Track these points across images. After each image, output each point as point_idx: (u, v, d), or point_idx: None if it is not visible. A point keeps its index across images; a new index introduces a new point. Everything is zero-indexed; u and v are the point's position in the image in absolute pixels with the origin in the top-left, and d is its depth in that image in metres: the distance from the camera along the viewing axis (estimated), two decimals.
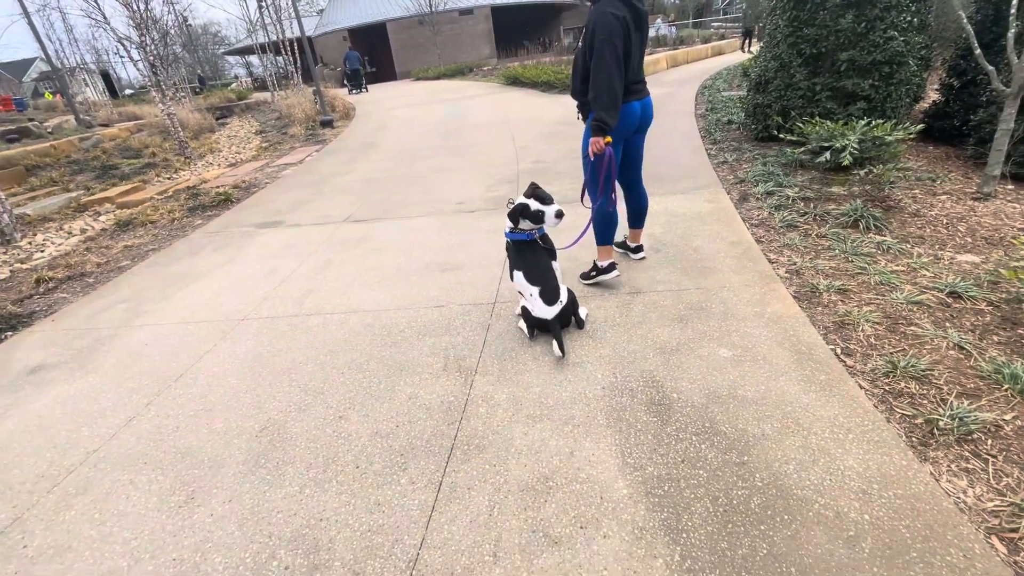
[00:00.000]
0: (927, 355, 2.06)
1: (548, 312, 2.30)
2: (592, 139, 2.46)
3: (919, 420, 1.77)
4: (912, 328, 2.24)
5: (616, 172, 2.66)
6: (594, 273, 2.92)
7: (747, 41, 18.97)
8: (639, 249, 3.15)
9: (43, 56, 14.81)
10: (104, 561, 1.59)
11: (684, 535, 1.45)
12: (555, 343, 2.27)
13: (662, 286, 2.81)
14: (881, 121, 3.73)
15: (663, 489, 1.60)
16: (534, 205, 2.33)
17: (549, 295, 2.32)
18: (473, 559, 1.46)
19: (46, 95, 25.23)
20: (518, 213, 2.35)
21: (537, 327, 2.42)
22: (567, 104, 9.90)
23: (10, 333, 3.29)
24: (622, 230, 3.05)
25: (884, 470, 1.58)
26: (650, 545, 1.44)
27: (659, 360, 2.21)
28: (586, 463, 1.73)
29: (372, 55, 27.56)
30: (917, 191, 3.72)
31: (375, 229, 4.38)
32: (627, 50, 2.41)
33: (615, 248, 3.04)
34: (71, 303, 3.68)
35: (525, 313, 2.42)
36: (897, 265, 2.76)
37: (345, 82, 19.23)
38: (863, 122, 3.75)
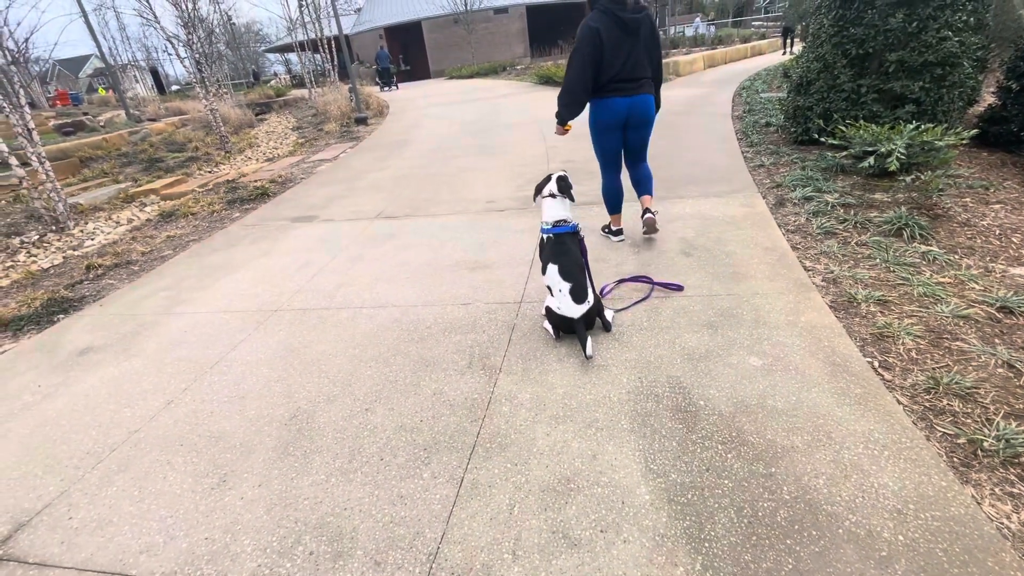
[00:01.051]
0: (973, 372, 1.96)
1: (575, 311, 2.29)
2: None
3: (962, 440, 1.68)
4: (957, 343, 2.14)
5: (616, 158, 3.32)
6: (605, 230, 3.62)
7: (788, 41, 18.17)
8: (646, 212, 3.39)
9: (97, 53, 15.58)
10: (142, 536, 1.67)
11: (706, 545, 1.43)
12: (582, 343, 2.26)
13: (692, 291, 2.76)
14: (931, 125, 3.57)
15: (686, 497, 1.58)
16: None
17: (578, 294, 2.31)
18: (492, 556, 1.47)
19: (99, 90, 26.52)
20: (568, 185, 2.49)
21: (562, 327, 2.41)
22: None
23: (62, 316, 3.48)
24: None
25: (922, 490, 1.51)
26: (671, 553, 1.42)
27: (687, 366, 2.17)
28: (608, 467, 1.72)
29: (407, 53, 27.94)
30: (968, 199, 3.54)
31: (405, 226, 4.45)
32: (604, 55, 2.86)
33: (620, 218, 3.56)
34: (117, 289, 3.87)
35: (549, 313, 2.42)
36: (943, 277, 2.64)
37: (376, 80, 19.69)
38: (911, 126, 3.60)
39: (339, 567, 1.49)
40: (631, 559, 1.42)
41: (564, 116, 3.05)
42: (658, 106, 3.29)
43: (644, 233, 3.40)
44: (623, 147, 3.28)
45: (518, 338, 2.53)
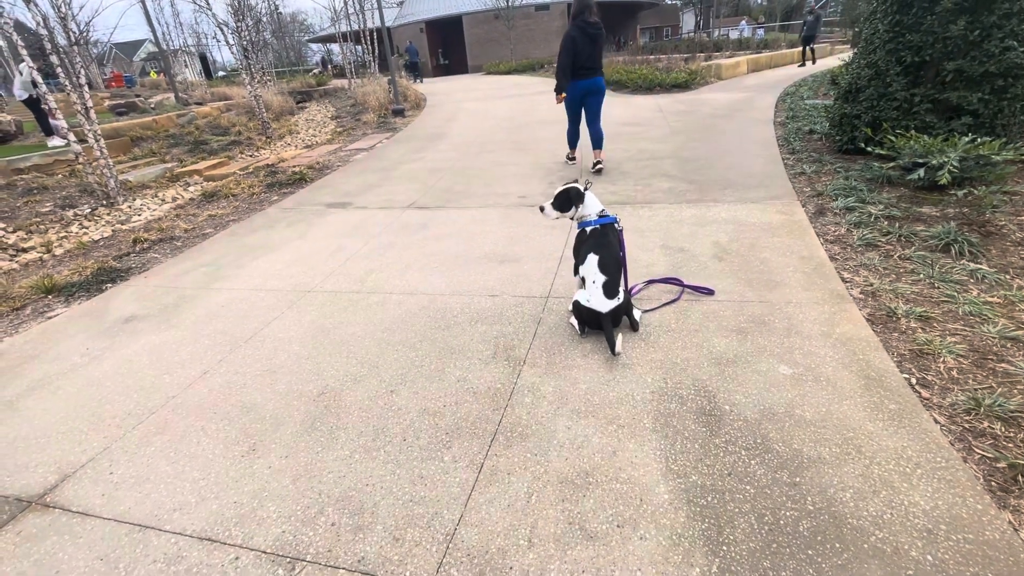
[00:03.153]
0: (1018, 396, 1.88)
1: (604, 305, 2.29)
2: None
3: (1002, 464, 1.62)
4: (1003, 365, 2.05)
5: (577, 117, 5.34)
6: (567, 159, 5.77)
7: (808, 51, 15.47)
8: (597, 163, 5.29)
9: (152, 38, 16.22)
10: (176, 495, 1.75)
11: (724, 548, 1.41)
12: (609, 340, 2.25)
13: (723, 295, 2.71)
14: (988, 139, 3.40)
15: (706, 499, 1.56)
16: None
17: (610, 288, 2.30)
18: (508, 541, 1.49)
19: (151, 74, 27.62)
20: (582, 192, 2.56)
21: (588, 322, 2.41)
22: (637, 104, 9.71)
23: (110, 285, 3.66)
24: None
25: (955, 512, 1.46)
26: (688, 553, 1.41)
27: (713, 370, 2.14)
28: (628, 464, 1.72)
29: (446, 48, 28.17)
30: None
31: (437, 216, 4.50)
32: (577, 51, 4.73)
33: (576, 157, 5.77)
34: (161, 263, 4.04)
35: (577, 307, 2.42)
36: (992, 296, 2.52)
37: (403, 72, 20.15)
38: (967, 139, 3.44)
39: (359, 539, 1.53)
40: (647, 555, 1.41)
41: (558, 88, 5.02)
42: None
43: (592, 169, 5.31)
44: (583, 110, 5.23)
45: (543, 332, 2.54)
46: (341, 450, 1.89)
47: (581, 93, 5.00)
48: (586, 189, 2.53)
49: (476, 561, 1.44)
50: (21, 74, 5.34)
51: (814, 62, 15.29)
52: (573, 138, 5.59)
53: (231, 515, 1.66)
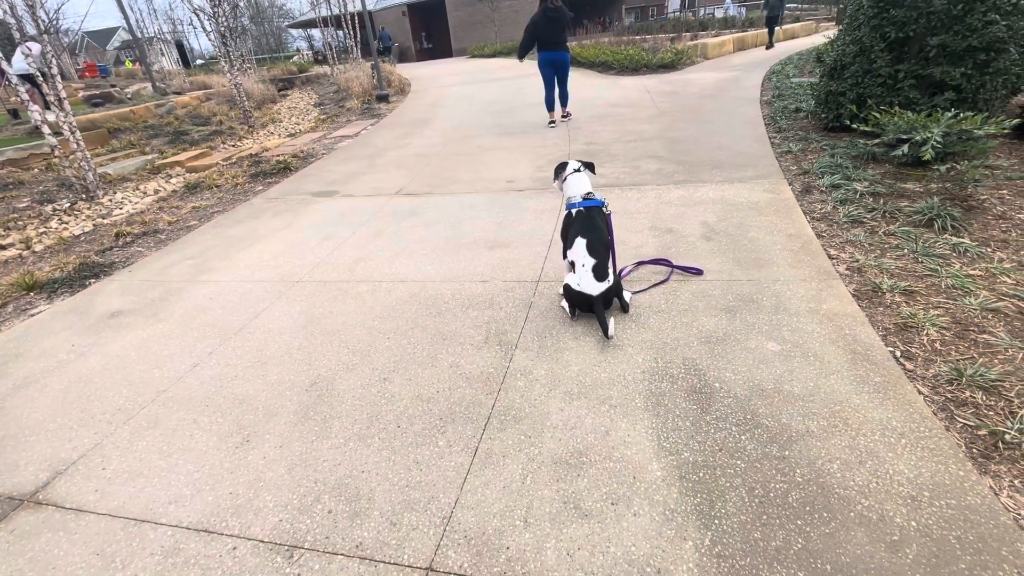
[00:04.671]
0: (999, 365, 1.93)
1: (595, 288, 2.30)
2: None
3: (983, 431, 1.66)
4: (984, 336, 2.09)
5: (551, 82, 6.69)
6: (548, 124, 6.93)
7: (772, 32, 14.32)
8: (566, 115, 7.07)
9: (125, 26, 15.72)
10: (171, 488, 1.75)
11: (716, 521, 1.44)
12: (601, 324, 2.26)
13: (712, 275, 2.73)
14: (971, 114, 3.43)
15: (698, 475, 1.59)
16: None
17: (599, 272, 2.31)
18: (504, 522, 1.51)
19: (127, 63, 26.85)
20: (589, 163, 2.67)
21: (579, 306, 2.42)
22: (624, 85, 9.63)
23: (93, 280, 3.60)
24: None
25: (938, 479, 1.50)
26: (681, 527, 1.44)
27: (703, 349, 2.17)
28: (621, 443, 1.74)
29: (429, 31, 27.65)
30: (1005, 191, 3.41)
31: (425, 203, 4.47)
32: (538, 33, 6.32)
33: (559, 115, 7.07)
34: (145, 256, 3.97)
35: (567, 291, 2.42)
36: (974, 269, 2.57)
37: (378, 55, 20.03)
38: (950, 114, 3.47)
39: (356, 525, 1.55)
40: (641, 531, 1.44)
41: (519, 57, 6.92)
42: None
43: (562, 118, 7.05)
44: (555, 76, 6.68)
45: (535, 316, 2.54)
46: (335, 438, 1.89)
47: (547, 61, 6.54)
48: (578, 170, 2.53)
49: (473, 543, 1.46)
50: (31, 50, 5.31)
51: (770, 46, 14.27)
52: (550, 103, 6.87)
53: (227, 506, 1.66)
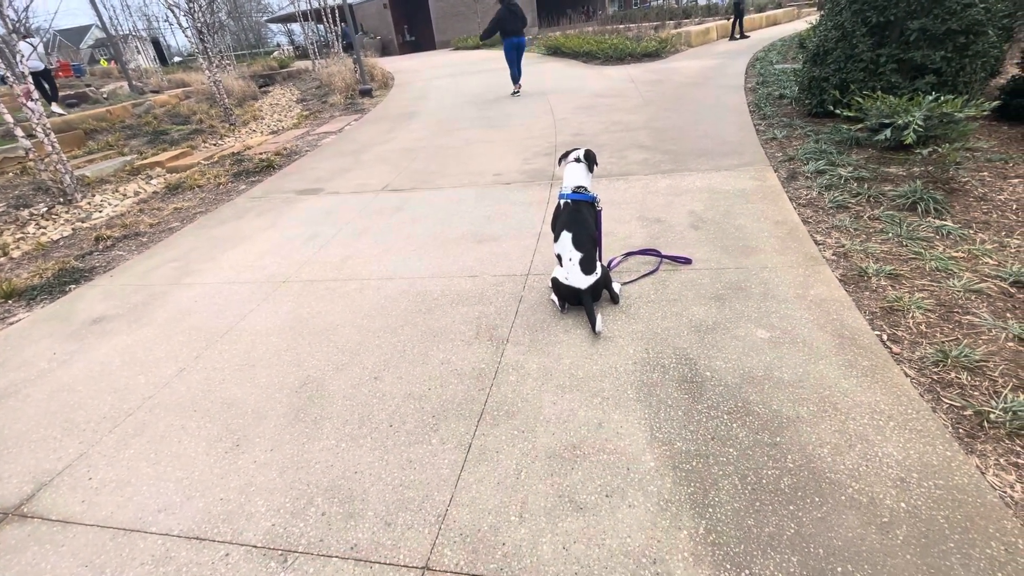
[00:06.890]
0: (983, 346, 1.95)
1: (583, 281, 2.29)
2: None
3: (968, 412, 1.69)
4: (968, 317, 2.12)
5: (514, 63, 8.73)
6: (513, 94, 8.78)
7: (738, 23, 13.83)
8: (518, 89, 8.79)
9: (98, 23, 15.32)
10: (159, 496, 1.72)
11: (710, 510, 1.45)
12: (590, 319, 2.26)
13: (700, 264, 2.74)
14: (951, 97, 3.46)
15: (691, 464, 1.60)
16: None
17: (587, 265, 2.30)
18: (499, 519, 1.51)
19: (102, 62, 26.17)
20: (593, 157, 2.60)
21: (568, 299, 2.41)
22: (609, 75, 9.60)
23: (74, 286, 3.52)
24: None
25: (926, 460, 1.52)
26: (675, 517, 1.45)
27: (693, 338, 2.17)
28: (614, 435, 1.74)
29: (411, 23, 27.29)
30: (986, 173, 3.46)
31: (412, 199, 4.42)
32: (502, 25, 8.50)
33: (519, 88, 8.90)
34: (127, 260, 3.89)
35: (556, 284, 2.42)
36: (957, 251, 2.60)
37: (343, 52, 19.66)
38: (930, 97, 3.50)
39: (351, 526, 1.53)
40: (636, 522, 1.45)
41: (482, 39, 9.37)
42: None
43: (513, 92, 8.76)
44: (517, 57, 8.59)
45: (525, 310, 2.53)
46: (327, 439, 1.88)
47: (512, 46, 8.54)
48: (578, 160, 2.52)
49: (469, 540, 1.46)
50: (35, 48, 5.28)
51: (733, 37, 13.75)
52: (516, 77, 8.81)
53: (218, 512, 1.64)
